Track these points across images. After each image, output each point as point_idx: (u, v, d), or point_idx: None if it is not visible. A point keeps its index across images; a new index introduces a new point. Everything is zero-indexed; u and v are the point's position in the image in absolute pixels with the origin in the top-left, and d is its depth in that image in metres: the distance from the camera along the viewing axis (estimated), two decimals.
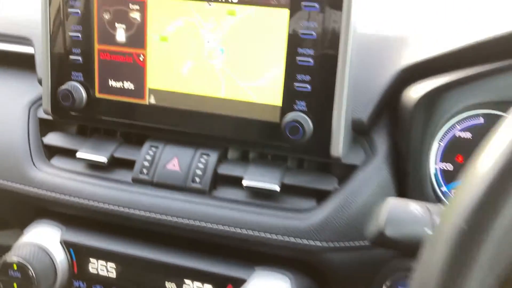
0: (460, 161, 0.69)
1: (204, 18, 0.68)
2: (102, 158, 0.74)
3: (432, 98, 0.63)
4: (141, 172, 0.73)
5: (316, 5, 0.62)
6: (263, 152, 0.74)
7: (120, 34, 0.72)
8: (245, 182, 0.69)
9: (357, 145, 0.71)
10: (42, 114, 0.81)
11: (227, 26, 0.67)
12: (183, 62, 0.70)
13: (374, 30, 0.74)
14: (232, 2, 0.66)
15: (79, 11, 0.72)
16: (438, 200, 0.69)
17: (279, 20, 0.65)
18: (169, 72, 0.71)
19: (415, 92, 0.65)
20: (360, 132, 0.70)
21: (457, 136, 0.67)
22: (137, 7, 0.70)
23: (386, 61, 0.70)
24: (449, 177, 0.69)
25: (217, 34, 0.68)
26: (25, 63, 0.90)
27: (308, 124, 0.65)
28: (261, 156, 0.75)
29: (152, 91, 0.73)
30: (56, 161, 0.79)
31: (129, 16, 0.71)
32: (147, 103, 0.73)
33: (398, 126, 0.69)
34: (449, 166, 0.69)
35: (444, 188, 0.69)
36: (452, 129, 0.67)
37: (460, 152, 0.68)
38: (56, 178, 0.74)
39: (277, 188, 0.68)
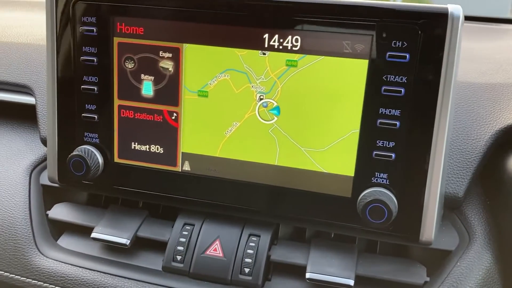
0: None
1: (256, 70, 0.54)
2: (124, 240, 0.59)
3: None
4: (174, 259, 0.58)
5: (407, 55, 0.49)
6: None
7: (147, 88, 0.58)
8: (309, 275, 0.54)
9: (446, 223, 0.57)
10: (45, 180, 0.67)
11: (286, 80, 0.54)
12: (227, 122, 0.56)
13: (464, 76, 0.61)
14: (293, 51, 0.52)
15: (95, 59, 0.58)
16: None
17: (354, 74, 0.51)
18: (208, 134, 0.57)
19: None
20: (450, 207, 0.57)
21: None
22: (169, 54, 0.56)
23: (483, 116, 0.57)
24: None
25: (272, 90, 0.54)
26: (24, 114, 0.76)
27: (393, 203, 0.51)
28: (319, 233, 0.61)
29: (186, 156, 0.59)
30: (65, 241, 0.64)
31: (159, 65, 0.57)
32: (180, 170, 0.59)
33: (503, 200, 0.55)
34: None
35: None
36: None
37: None
38: (66, 267, 0.59)
39: (351, 283, 0.53)
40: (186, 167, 0.59)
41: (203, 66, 0.56)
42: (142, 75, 0.58)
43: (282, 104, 0.54)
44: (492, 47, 0.78)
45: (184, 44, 0.55)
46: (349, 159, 0.54)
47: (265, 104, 0.55)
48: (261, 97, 0.55)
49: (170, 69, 0.57)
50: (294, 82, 0.53)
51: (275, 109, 0.55)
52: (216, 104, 0.56)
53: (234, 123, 0.56)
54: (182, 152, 0.59)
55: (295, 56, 0.53)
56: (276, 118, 0.55)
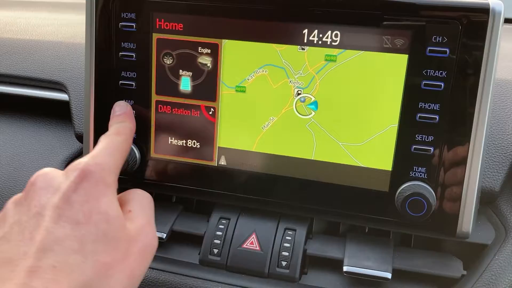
0: None
1: (295, 65, 0.55)
2: (160, 234, 0.60)
3: None
4: (211, 253, 0.59)
5: (447, 49, 0.50)
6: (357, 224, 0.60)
7: (185, 83, 0.59)
8: (346, 268, 0.55)
9: (480, 217, 0.57)
10: None
11: (324, 75, 0.54)
12: (264, 117, 0.57)
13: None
14: (332, 46, 0.53)
15: (134, 55, 0.59)
16: None
17: (394, 68, 0.52)
18: (244, 129, 0.58)
19: None
20: (485, 201, 0.57)
21: None
22: (208, 50, 0.57)
23: None
24: None
25: (310, 84, 0.55)
26: (54, 110, 0.77)
27: (433, 196, 0.52)
28: (353, 228, 0.61)
29: (223, 150, 0.59)
30: None
31: (197, 61, 0.58)
32: (216, 164, 0.60)
33: None
34: None
35: None
36: None
37: None
38: None
39: (389, 276, 0.54)
40: (222, 161, 0.60)
41: (242, 61, 0.56)
42: (181, 71, 0.59)
43: (320, 98, 0.55)
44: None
45: (223, 40, 0.56)
46: (387, 153, 0.54)
47: (302, 99, 0.56)
48: (299, 92, 0.56)
49: (208, 64, 0.58)
50: (333, 76, 0.54)
51: (313, 104, 0.56)
52: (254, 99, 0.57)
53: (271, 118, 0.57)
54: (218, 147, 0.60)
55: (334, 51, 0.53)
56: (313, 113, 0.56)
